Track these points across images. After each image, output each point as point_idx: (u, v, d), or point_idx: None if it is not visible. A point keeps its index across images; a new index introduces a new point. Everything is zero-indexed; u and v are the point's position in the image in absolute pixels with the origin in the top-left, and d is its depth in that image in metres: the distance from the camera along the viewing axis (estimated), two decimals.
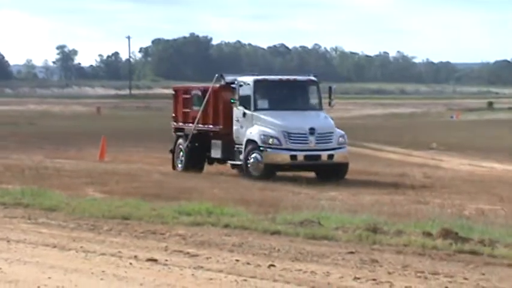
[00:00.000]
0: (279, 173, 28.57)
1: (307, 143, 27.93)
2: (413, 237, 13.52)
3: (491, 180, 28.28)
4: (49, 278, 10.72)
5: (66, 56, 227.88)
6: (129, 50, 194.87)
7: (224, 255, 12.41)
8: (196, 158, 30.79)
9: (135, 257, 12.27)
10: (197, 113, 30.65)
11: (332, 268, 11.41)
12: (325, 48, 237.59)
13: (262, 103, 29.08)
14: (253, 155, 28.01)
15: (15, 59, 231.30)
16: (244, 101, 28.86)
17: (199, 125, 30.61)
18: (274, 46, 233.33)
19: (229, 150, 29.59)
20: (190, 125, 31.06)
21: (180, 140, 31.50)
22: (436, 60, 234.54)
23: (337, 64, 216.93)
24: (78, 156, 37.68)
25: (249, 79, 29.66)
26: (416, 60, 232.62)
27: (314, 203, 19.04)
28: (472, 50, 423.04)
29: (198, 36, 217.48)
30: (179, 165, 31.11)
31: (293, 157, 27.82)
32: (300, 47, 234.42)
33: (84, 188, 21.51)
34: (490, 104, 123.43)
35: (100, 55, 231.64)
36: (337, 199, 20.87)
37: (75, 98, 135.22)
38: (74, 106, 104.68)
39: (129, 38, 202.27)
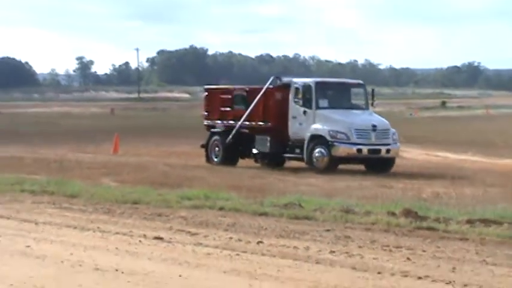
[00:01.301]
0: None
1: (370, 138, 27.31)
2: (379, 217, 13.55)
3: (445, 168, 28.31)
4: (71, 254, 10.73)
5: (84, 66, 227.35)
6: (138, 60, 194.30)
7: (220, 234, 12.43)
8: (234, 152, 30.17)
9: (144, 235, 12.29)
10: (240, 112, 29.94)
11: (311, 243, 11.42)
12: (304, 57, 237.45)
13: (323, 102, 28.33)
14: (317, 149, 27.24)
15: (41, 69, 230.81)
16: (305, 100, 28.15)
17: (246, 123, 29.64)
18: (261, 55, 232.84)
19: (279, 145, 28.91)
20: (231, 122, 30.28)
21: (216, 137, 30.69)
22: (397, 67, 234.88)
23: (314, 70, 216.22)
24: (95, 150, 37.59)
25: (310, 80, 29.19)
26: (381, 67, 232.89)
27: (296, 188, 19.04)
28: (428, 57, 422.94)
29: (196, 47, 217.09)
30: (215, 159, 30.28)
31: (359, 150, 27.07)
32: (283, 56, 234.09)
33: (100, 178, 21.50)
34: (443, 103, 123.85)
35: (113, 64, 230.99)
36: (315, 185, 20.86)
37: (92, 101, 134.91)
38: (91, 108, 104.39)
39: (137, 50, 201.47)
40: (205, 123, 31.78)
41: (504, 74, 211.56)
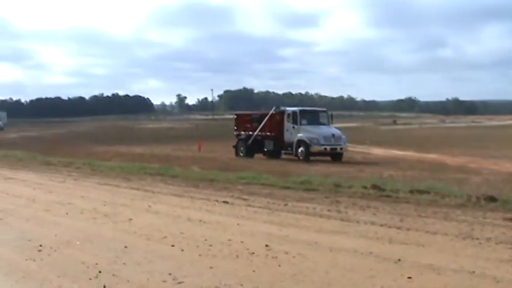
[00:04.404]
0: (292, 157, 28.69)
1: (331, 141, 28.41)
2: (357, 189, 13.44)
3: (396, 160, 28.08)
4: (174, 211, 10.80)
5: (181, 100, 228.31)
6: (212, 96, 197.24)
7: (261, 199, 12.40)
8: (252, 150, 31.17)
9: (217, 200, 12.29)
10: (256, 127, 31.07)
11: (316, 205, 11.37)
12: (311, 94, 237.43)
13: (304, 121, 29.44)
14: (301, 148, 28.56)
15: (156, 101, 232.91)
16: (294, 120, 29.52)
17: (259, 133, 30.94)
18: (284, 93, 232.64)
19: (278, 146, 30.18)
20: (250, 133, 31.32)
21: (241, 141, 31.92)
22: (367, 99, 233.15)
23: (317, 102, 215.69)
24: (187, 149, 37.72)
25: (296, 109, 30.41)
26: (357, 99, 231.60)
27: (307, 172, 18.95)
28: (385, 93, 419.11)
29: (247, 88, 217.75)
30: (241, 154, 31.33)
31: (325, 149, 28.30)
32: (299, 93, 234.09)
33: (190, 166, 21.55)
34: (395, 121, 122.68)
35: (198, 99, 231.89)
36: (319, 170, 20.74)
37: (185, 120, 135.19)
38: (185, 124, 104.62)
39: (212, 90, 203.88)
40: (235, 133, 32.86)
41: (430, 104, 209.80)
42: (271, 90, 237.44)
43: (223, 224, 9.34)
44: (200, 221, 9.62)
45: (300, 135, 28.78)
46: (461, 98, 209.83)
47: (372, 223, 9.30)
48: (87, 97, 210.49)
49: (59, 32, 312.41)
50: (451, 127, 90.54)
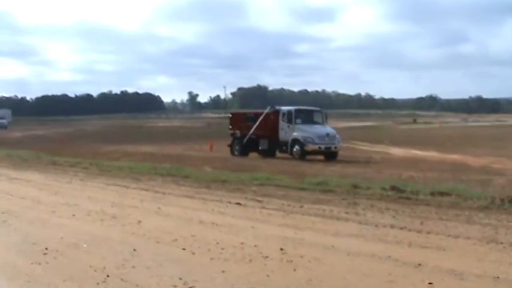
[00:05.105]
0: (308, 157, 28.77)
1: (325, 140, 29.31)
2: (376, 190, 13.41)
3: (416, 160, 27.98)
4: (185, 213, 10.80)
5: (192, 97, 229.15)
6: (225, 93, 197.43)
7: (276, 201, 12.38)
8: (247, 149, 32.18)
9: (229, 202, 12.30)
10: (251, 126, 32.01)
11: (333, 207, 11.35)
12: (327, 91, 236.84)
13: (298, 120, 30.40)
14: (296, 147, 29.55)
15: (166, 99, 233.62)
16: (289, 119, 30.43)
17: (254, 132, 31.76)
18: (300, 90, 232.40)
19: (272, 145, 31.15)
20: (245, 131, 32.27)
21: (236, 140, 32.98)
22: (386, 97, 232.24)
23: (334, 100, 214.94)
24: (199, 149, 37.85)
25: (291, 108, 31.25)
26: (376, 97, 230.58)
27: (322, 173, 18.92)
28: (403, 91, 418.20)
29: (260, 85, 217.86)
30: (236, 153, 32.38)
31: (319, 147, 29.25)
32: (315, 90, 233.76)
33: (202, 166, 21.57)
34: (415, 120, 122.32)
35: (210, 96, 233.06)
36: (335, 171, 20.71)
37: (197, 118, 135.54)
38: (197, 123, 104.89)
39: (224, 87, 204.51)
40: (230, 132, 33.84)
41: (451, 102, 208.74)
42: (286, 87, 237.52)
43: (236, 226, 9.34)
44: (212, 223, 9.62)
45: (294, 134, 29.96)
46: (485, 96, 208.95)
47: (391, 226, 9.26)
48: (94, 94, 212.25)
49: (65, 27, 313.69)
50: (473, 126, 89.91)
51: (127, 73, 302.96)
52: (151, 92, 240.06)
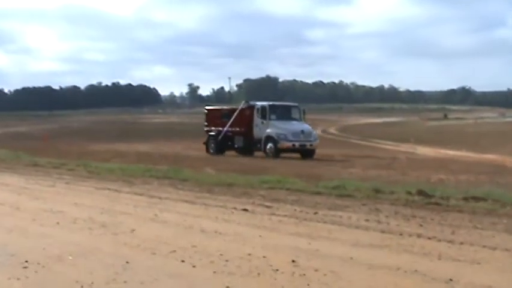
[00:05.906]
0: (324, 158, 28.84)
1: (300, 138, 31.33)
2: (400, 195, 13.40)
3: (446, 161, 27.95)
4: (184, 220, 10.79)
5: (193, 90, 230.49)
6: (229, 85, 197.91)
7: (287, 207, 12.39)
8: (222, 146, 34.10)
9: (235, 207, 12.32)
10: (226, 122, 33.88)
11: (352, 214, 11.34)
12: (346, 83, 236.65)
13: (273, 116, 32.38)
14: (269, 144, 31.49)
15: (163, 92, 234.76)
16: (263, 115, 32.43)
17: (229, 129, 33.70)
18: (315, 82, 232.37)
19: (248, 142, 33.00)
20: (220, 128, 34.20)
21: (211, 138, 34.86)
22: (412, 89, 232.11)
23: (353, 92, 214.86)
24: (199, 148, 37.88)
25: (266, 103, 33.24)
26: (401, 90, 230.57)
27: (340, 175, 18.90)
28: (433, 82, 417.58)
29: (270, 76, 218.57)
30: (211, 151, 34.33)
31: (293, 145, 31.26)
32: (331, 82, 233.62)
33: (203, 167, 21.58)
34: (445, 115, 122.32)
35: (212, 88, 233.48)
36: (353, 173, 20.71)
37: (197, 114, 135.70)
38: (197, 119, 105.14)
39: (229, 78, 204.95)
40: (205, 129, 36.01)
41: (487, 95, 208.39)
42: (298, 78, 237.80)
43: (242, 235, 9.33)
44: (215, 232, 9.62)
45: (268, 130, 31.98)
46: None
47: (418, 236, 9.23)
48: (82, 87, 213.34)
49: (49, 11, 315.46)
50: None
51: (119, 63, 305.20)
52: (147, 84, 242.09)
